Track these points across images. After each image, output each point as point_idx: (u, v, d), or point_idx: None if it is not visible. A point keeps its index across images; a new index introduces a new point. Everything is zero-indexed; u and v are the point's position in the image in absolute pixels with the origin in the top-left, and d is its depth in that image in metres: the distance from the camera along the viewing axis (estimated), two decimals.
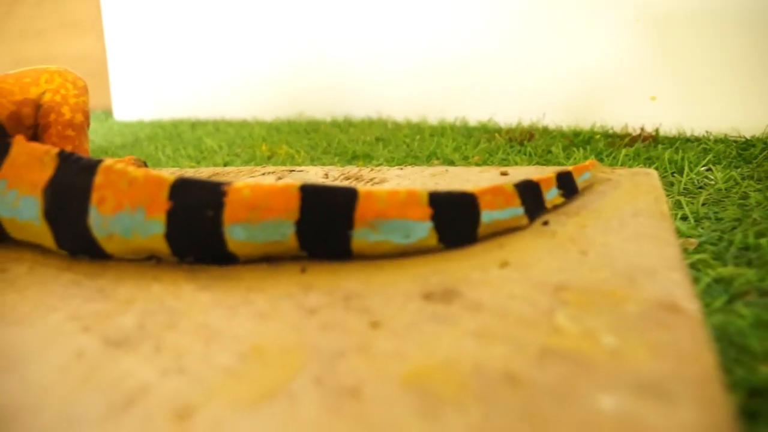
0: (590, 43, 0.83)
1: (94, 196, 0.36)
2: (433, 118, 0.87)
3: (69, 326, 0.31)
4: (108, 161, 0.37)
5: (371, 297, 0.31)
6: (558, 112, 0.76)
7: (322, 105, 0.99)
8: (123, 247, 0.36)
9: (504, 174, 0.46)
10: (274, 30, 1.13)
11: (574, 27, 0.83)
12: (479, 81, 0.88)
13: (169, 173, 0.37)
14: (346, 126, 0.80)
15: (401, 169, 0.48)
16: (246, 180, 0.43)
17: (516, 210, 0.36)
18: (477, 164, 0.52)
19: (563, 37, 0.85)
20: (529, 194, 0.38)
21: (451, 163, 0.53)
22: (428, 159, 0.56)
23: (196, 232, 0.34)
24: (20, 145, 0.40)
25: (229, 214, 0.34)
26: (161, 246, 0.35)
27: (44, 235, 0.39)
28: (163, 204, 0.35)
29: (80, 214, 0.36)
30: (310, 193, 0.33)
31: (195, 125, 1.02)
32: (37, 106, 0.52)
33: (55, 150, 0.39)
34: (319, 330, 0.29)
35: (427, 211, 0.34)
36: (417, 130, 0.73)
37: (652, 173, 0.43)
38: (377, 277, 0.33)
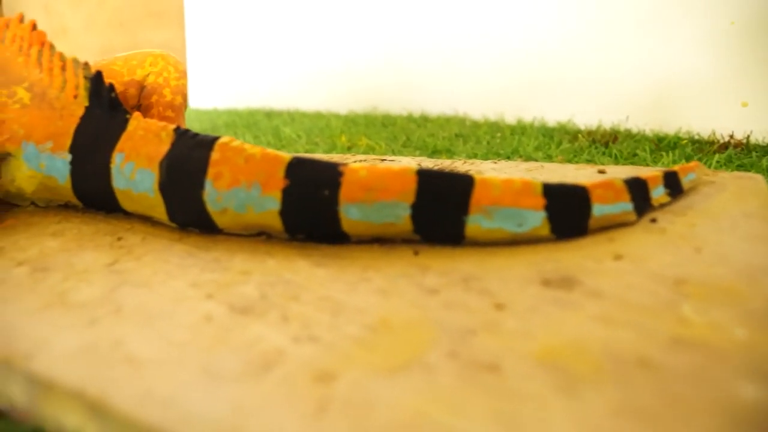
0: (678, 45, 0.81)
1: (210, 171, 0.37)
2: (510, 117, 0.86)
3: (192, 292, 0.32)
4: (224, 138, 0.38)
5: (489, 280, 0.31)
6: (641, 115, 0.75)
7: (397, 100, 0.99)
8: (235, 222, 0.37)
9: (602, 172, 0.46)
10: (348, 24, 1.14)
11: (661, 27, 0.81)
12: (559, 80, 0.87)
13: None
14: (422, 121, 0.80)
15: (495, 163, 0.48)
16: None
17: (625, 205, 0.36)
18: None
19: (649, 37, 0.83)
20: (638, 191, 0.37)
21: (534, 161, 0.53)
22: (510, 157, 0.56)
23: (311, 210, 0.35)
24: (138, 120, 0.42)
25: (345, 193, 0.34)
26: (275, 222, 0.36)
27: (157, 207, 0.40)
28: (279, 181, 0.35)
29: (195, 188, 0.37)
30: (427, 177, 0.34)
31: (270, 114, 1.04)
32: (141, 87, 0.54)
33: (172, 126, 0.40)
34: (444, 308, 0.29)
35: (541, 201, 0.34)
36: (495, 128, 0.73)
37: (758, 177, 0.43)
38: (491, 262, 0.33)
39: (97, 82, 0.44)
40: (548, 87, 0.87)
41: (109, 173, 0.42)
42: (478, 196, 0.34)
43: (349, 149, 0.65)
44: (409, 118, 0.84)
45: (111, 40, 1.54)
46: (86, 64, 0.47)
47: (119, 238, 0.40)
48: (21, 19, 0.50)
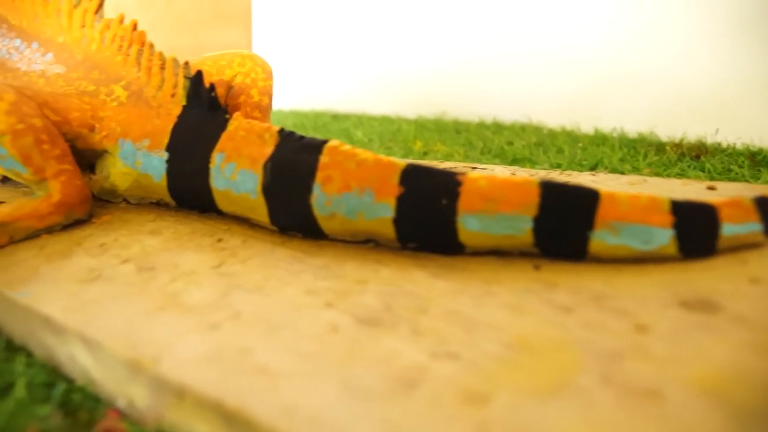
0: None
1: (319, 175, 0.36)
2: (586, 126, 0.84)
3: (309, 300, 0.31)
4: (333, 141, 0.37)
5: (622, 299, 0.30)
6: (729, 127, 0.72)
7: (467, 105, 0.97)
8: (344, 228, 0.36)
9: (711, 189, 0.44)
10: (417, 27, 1.12)
11: (754, 35, 0.78)
12: (639, 90, 0.85)
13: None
14: (496, 128, 0.78)
15: (594, 175, 0.47)
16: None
17: (754, 226, 0.34)
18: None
19: (737, 43, 0.80)
20: (766, 210, 0.35)
21: (621, 174, 0.51)
22: (595, 168, 0.54)
23: (427, 219, 0.34)
24: (239, 121, 0.41)
25: (463, 203, 0.33)
26: (387, 230, 0.35)
27: (258, 209, 0.39)
28: (393, 188, 0.34)
29: (302, 192, 0.37)
30: (550, 190, 0.33)
31: (336, 117, 1.03)
32: (229, 87, 0.53)
33: (276, 128, 0.40)
34: (583, 328, 0.28)
35: (669, 218, 0.33)
36: (573, 138, 0.71)
37: None
38: (620, 280, 0.32)
39: (196, 82, 0.44)
40: (626, 95, 0.84)
41: (207, 173, 0.41)
42: (603, 211, 0.32)
43: (425, 155, 0.64)
44: (482, 125, 0.82)
45: (177, 41, 1.56)
46: (186, 64, 0.46)
47: (219, 240, 0.40)
48: (122, 20, 0.50)
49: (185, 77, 0.45)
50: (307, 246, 0.38)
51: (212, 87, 0.43)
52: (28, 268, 0.38)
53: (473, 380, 0.24)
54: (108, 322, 0.31)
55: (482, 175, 0.34)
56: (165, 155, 0.44)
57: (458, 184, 0.33)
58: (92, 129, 0.47)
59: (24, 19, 0.56)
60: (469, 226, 0.33)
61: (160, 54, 0.48)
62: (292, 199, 0.37)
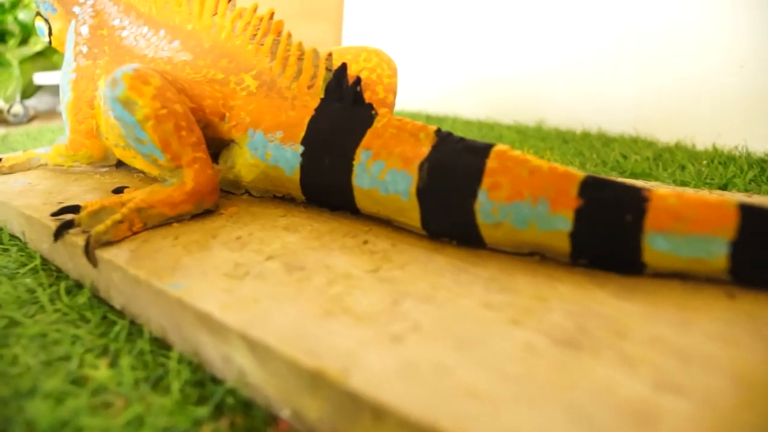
0: None
1: (486, 181, 0.34)
2: (702, 143, 0.80)
3: (491, 315, 0.29)
4: (500, 145, 0.35)
5: None
6: None
7: (568, 113, 0.93)
8: (509, 238, 0.34)
9: None
10: (515, 30, 1.08)
11: None
12: (761, 102, 0.80)
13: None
14: (605, 140, 0.75)
15: (749, 196, 0.44)
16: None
17: None
18: None
19: None
20: None
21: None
22: (725, 188, 0.51)
23: (609, 235, 0.32)
24: (387, 117, 0.40)
25: (651, 221, 0.31)
26: (561, 243, 0.33)
27: (409, 212, 0.38)
28: (571, 200, 0.32)
29: (465, 197, 0.35)
30: (752, 214, 0.30)
31: (429, 119, 1.01)
32: None
33: (432, 127, 0.38)
34: None
35: None
36: (692, 154, 0.68)
37: None
38: None
39: (340, 75, 0.42)
40: (751, 114, 0.80)
41: (350, 170, 0.40)
42: None
43: None
44: (585, 135, 0.79)
45: None
46: (329, 56, 0.45)
47: (365, 242, 0.38)
48: (255, 9, 0.49)
49: (327, 69, 0.44)
50: (465, 254, 0.36)
51: (358, 81, 0.42)
52: (169, 258, 0.37)
53: (716, 422, 0.22)
54: (274, 324, 0.29)
55: (672, 191, 0.31)
56: (300, 148, 0.43)
57: (646, 199, 0.31)
58: (222, 118, 0.46)
59: (154, 6, 0.55)
60: (656, 246, 0.31)
61: (299, 45, 0.46)
62: (451, 204, 0.35)
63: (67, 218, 0.45)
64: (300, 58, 0.45)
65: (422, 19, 1.25)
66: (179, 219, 0.43)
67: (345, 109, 0.42)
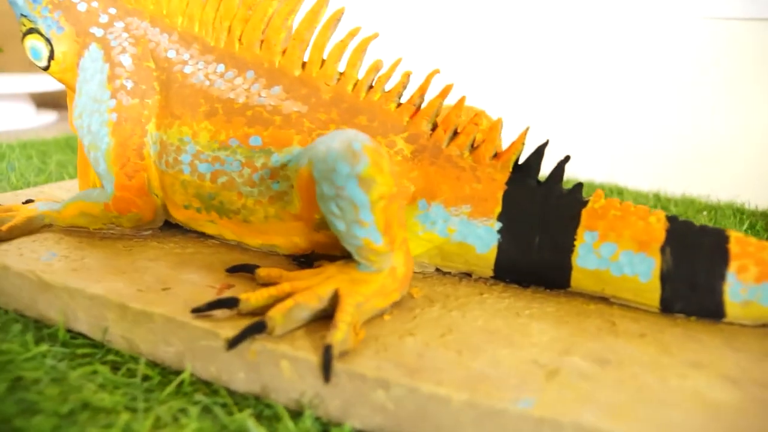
0: None
1: (733, 264, 0.38)
2: (675, 190, 0.86)
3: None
4: (735, 232, 0.39)
5: None
6: None
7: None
8: (754, 314, 0.38)
9: None
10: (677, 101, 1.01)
11: None
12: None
13: None
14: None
15: None
16: None
17: None
18: None
19: None
20: None
21: None
22: None
23: None
24: (604, 199, 0.41)
25: None
26: None
27: (647, 292, 0.39)
28: None
29: (713, 279, 0.38)
30: None
31: (597, 186, 0.92)
32: None
33: (661, 212, 0.40)
34: None
35: None
36: (665, 202, 0.75)
37: None
38: None
39: (541, 151, 0.42)
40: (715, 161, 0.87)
41: (571, 249, 0.40)
42: None
43: None
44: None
45: None
46: (477, 118, 0.43)
47: (613, 324, 0.39)
48: (398, 64, 0.44)
49: (522, 143, 0.43)
50: (704, 327, 0.39)
51: (540, 154, 0.42)
52: (449, 363, 0.33)
53: None
54: None
55: None
56: (496, 225, 0.41)
57: None
58: None
59: (236, 43, 0.47)
60: None
61: (458, 106, 0.43)
62: (699, 285, 0.38)
63: (226, 309, 0.37)
64: (476, 123, 0.43)
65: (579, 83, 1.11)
66: (383, 312, 0.38)
67: (547, 186, 0.41)
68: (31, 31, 0.52)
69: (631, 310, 0.41)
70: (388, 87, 0.46)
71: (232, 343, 0.34)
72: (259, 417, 0.34)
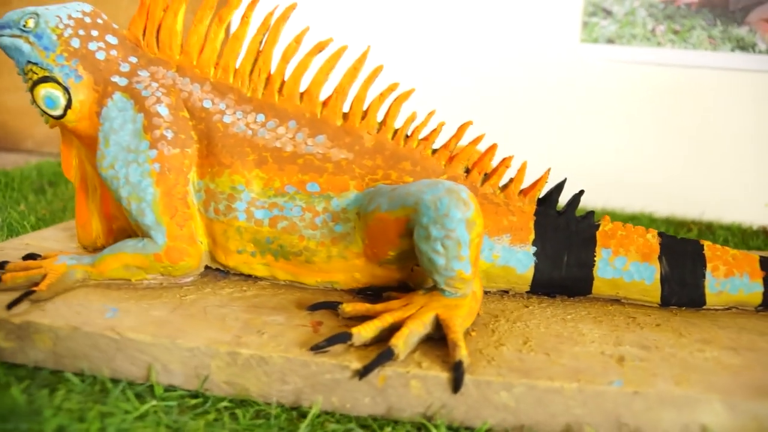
0: None
1: (709, 265, 0.50)
2: None
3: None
4: (705, 242, 0.52)
5: None
6: None
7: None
8: (724, 300, 0.51)
9: None
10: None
11: None
12: None
13: None
14: None
15: None
16: None
17: None
18: None
19: None
20: None
21: None
22: None
23: None
24: (612, 224, 0.51)
25: None
26: (757, 300, 0.51)
27: (651, 292, 0.50)
28: (758, 272, 0.51)
29: (697, 277, 0.50)
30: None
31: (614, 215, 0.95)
32: None
33: (653, 231, 0.51)
34: None
35: None
36: None
37: None
38: None
39: (560, 187, 0.51)
40: None
41: (592, 264, 0.50)
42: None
43: None
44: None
45: None
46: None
47: (633, 318, 0.49)
48: (433, 115, 0.51)
49: (545, 181, 0.52)
50: (693, 314, 0.51)
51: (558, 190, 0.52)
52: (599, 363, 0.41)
53: None
54: None
55: None
56: (532, 249, 0.50)
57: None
58: None
59: (276, 95, 0.51)
60: None
61: (491, 151, 0.51)
62: (688, 283, 0.50)
63: (351, 342, 0.41)
64: (506, 166, 0.51)
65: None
66: (470, 329, 0.45)
67: (566, 215, 0.51)
68: (45, 79, 0.51)
69: (639, 306, 0.51)
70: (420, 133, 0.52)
71: (364, 372, 0.39)
72: None
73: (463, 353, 0.39)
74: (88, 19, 0.53)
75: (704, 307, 0.51)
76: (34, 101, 0.53)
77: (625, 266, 0.50)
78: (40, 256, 0.53)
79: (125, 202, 0.50)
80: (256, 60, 0.51)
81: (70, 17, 0.52)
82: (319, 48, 0.51)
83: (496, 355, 0.42)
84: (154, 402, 0.40)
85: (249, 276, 0.53)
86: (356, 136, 0.50)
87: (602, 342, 0.44)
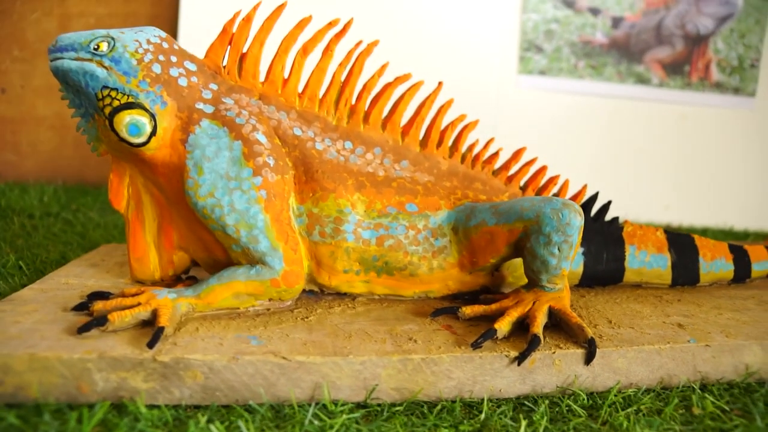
0: None
1: (701, 252, 0.66)
2: None
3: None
4: (693, 234, 0.68)
5: None
6: None
7: None
8: (709, 279, 0.67)
9: None
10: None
11: None
12: None
13: None
14: None
15: None
16: None
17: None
18: None
19: None
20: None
21: None
22: None
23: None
24: (631, 225, 0.65)
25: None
26: (728, 275, 0.68)
27: (665, 276, 0.65)
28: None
29: (694, 262, 0.66)
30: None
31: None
32: None
33: (660, 228, 0.66)
34: None
35: None
36: None
37: None
38: None
39: (593, 199, 0.64)
40: None
41: (623, 258, 0.64)
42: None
43: None
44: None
45: None
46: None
47: (660, 297, 0.63)
48: (492, 142, 0.62)
49: (584, 196, 0.64)
50: (693, 290, 0.66)
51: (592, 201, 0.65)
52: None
53: None
54: None
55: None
56: (581, 249, 0.62)
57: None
58: None
59: (361, 124, 0.56)
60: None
61: (542, 171, 0.63)
62: (689, 267, 0.66)
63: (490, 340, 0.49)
64: (554, 183, 0.63)
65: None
66: None
67: (599, 221, 0.64)
68: (131, 105, 0.50)
69: (656, 288, 0.66)
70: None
71: (521, 358, 0.47)
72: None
73: (589, 333, 0.49)
74: (165, 45, 0.52)
75: (698, 284, 0.67)
76: (111, 127, 0.50)
77: (647, 257, 0.64)
78: (109, 293, 0.52)
79: (232, 230, 0.50)
80: (342, 90, 0.56)
81: (149, 42, 0.51)
82: (400, 81, 0.59)
83: (600, 333, 0.53)
84: (343, 417, 0.43)
85: (344, 294, 0.57)
86: (434, 161, 0.58)
87: (656, 316, 0.58)
